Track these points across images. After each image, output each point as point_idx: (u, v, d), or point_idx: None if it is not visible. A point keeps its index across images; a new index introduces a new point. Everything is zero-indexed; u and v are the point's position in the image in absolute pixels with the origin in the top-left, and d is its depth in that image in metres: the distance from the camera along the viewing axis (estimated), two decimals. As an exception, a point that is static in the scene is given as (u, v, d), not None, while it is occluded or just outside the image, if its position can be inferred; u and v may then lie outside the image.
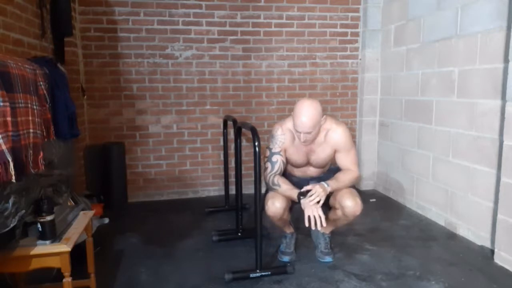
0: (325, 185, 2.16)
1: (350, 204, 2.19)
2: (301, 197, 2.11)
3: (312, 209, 2.06)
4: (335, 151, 2.34)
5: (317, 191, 2.10)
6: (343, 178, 2.27)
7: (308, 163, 2.40)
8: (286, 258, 2.48)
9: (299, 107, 2.17)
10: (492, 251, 2.51)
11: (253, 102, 3.98)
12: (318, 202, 2.08)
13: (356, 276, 2.27)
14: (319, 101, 2.26)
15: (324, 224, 2.05)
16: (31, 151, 1.63)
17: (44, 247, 1.57)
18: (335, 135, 2.29)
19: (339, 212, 2.28)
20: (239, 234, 2.84)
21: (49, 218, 1.59)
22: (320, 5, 3.96)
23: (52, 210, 1.60)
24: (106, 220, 3.01)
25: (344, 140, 2.31)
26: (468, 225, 2.82)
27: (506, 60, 2.39)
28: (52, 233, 1.60)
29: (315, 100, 2.23)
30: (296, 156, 2.36)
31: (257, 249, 2.23)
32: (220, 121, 3.75)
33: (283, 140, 2.30)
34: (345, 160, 2.34)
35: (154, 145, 3.85)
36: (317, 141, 2.30)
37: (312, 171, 2.45)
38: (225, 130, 3.46)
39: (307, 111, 2.14)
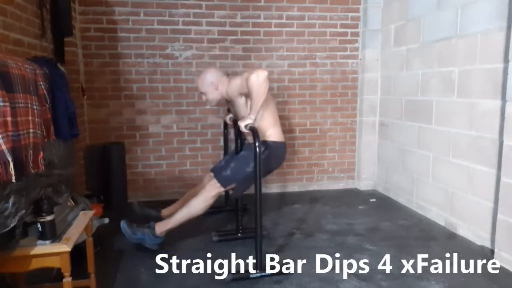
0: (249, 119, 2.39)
1: None
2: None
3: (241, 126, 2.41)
4: (243, 95, 2.58)
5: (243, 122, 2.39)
6: (253, 95, 2.40)
7: (239, 114, 2.71)
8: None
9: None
10: (492, 251, 2.51)
11: (253, 102, 3.98)
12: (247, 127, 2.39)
13: (356, 276, 2.27)
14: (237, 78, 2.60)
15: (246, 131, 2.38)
16: (31, 151, 1.64)
17: (44, 247, 1.57)
18: (229, 90, 2.64)
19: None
20: (239, 234, 2.85)
21: (49, 218, 1.59)
22: (320, 5, 3.96)
23: (52, 210, 1.60)
24: (106, 220, 3.00)
25: (233, 88, 2.61)
26: (468, 225, 2.82)
27: (506, 60, 2.39)
28: (52, 233, 1.60)
29: (212, 70, 2.75)
30: (234, 113, 2.84)
31: (257, 249, 2.23)
32: (220, 121, 3.75)
33: None
34: (244, 83, 2.47)
35: (154, 145, 3.85)
36: (231, 97, 2.68)
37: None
38: (225, 130, 3.46)
39: (200, 75, 2.75)
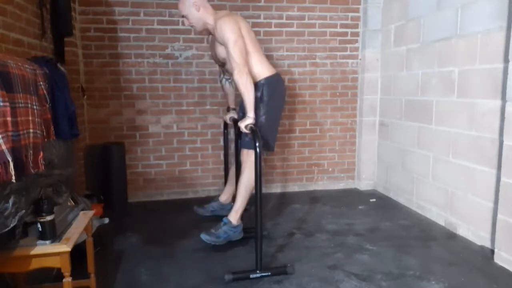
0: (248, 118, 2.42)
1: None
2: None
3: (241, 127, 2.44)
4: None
5: (243, 123, 2.44)
6: (242, 94, 2.42)
7: (220, 61, 2.72)
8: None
9: None
10: (492, 251, 2.51)
11: (253, 102, 3.98)
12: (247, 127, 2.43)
13: (356, 276, 2.27)
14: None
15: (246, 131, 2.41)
16: (31, 151, 1.63)
17: (44, 247, 1.57)
18: (217, 28, 2.47)
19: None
20: (239, 234, 2.85)
21: (49, 218, 1.58)
22: (320, 5, 3.96)
23: (52, 210, 1.60)
24: (106, 220, 3.01)
25: (220, 34, 2.45)
26: (468, 225, 2.82)
27: (506, 60, 2.39)
28: (52, 233, 1.60)
29: None
30: (212, 51, 2.80)
31: (257, 249, 2.23)
32: (220, 121, 3.75)
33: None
34: (229, 59, 2.46)
35: (154, 145, 3.85)
36: (215, 36, 2.56)
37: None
38: (225, 130, 3.46)
39: None
